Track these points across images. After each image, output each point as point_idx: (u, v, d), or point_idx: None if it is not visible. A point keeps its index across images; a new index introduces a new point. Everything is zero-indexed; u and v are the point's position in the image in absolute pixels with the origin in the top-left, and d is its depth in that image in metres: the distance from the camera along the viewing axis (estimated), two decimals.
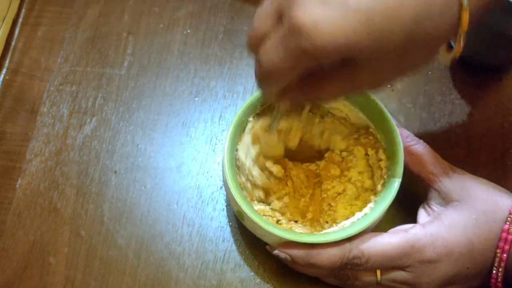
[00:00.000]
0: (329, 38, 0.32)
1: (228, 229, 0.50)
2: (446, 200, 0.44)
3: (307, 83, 0.38)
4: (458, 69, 0.56)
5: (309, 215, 0.47)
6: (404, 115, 0.54)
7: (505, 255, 0.41)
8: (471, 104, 0.55)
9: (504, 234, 0.41)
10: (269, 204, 0.47)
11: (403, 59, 0.35)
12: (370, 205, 0.45)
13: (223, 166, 0.45)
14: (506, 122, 0.54)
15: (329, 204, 0.47)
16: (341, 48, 0.32)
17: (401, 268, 0.42)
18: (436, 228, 0.42)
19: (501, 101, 0.55)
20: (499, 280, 0.42)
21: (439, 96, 0.55)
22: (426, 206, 0.45)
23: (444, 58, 0.37)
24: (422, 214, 0.45)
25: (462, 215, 0.42)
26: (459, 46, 0.36)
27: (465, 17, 0.34)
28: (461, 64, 0.56)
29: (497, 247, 0.41)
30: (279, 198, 0.47)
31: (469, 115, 0.54)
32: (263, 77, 0.36)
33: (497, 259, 0.41)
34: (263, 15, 0.35)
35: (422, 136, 0.47)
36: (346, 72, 0.36)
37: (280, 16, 0.34)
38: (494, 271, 0.42)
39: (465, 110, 0.54)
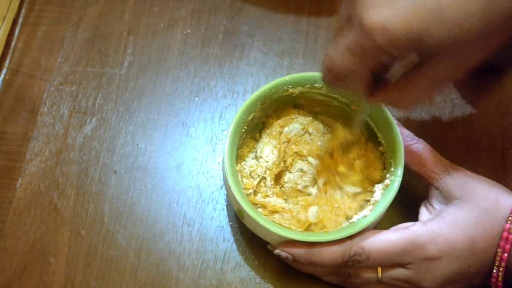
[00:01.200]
0: (402, 31, 0.34)
1: (228, 228, 0.50)
2: (447, 198, 0.44)
3: (393, 90, 0.40)
4: None
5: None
6: (404, 115, 0.54)
7: (506, 254, 0.41)
8: (471, 104, 0.55)
9: (505, 234, 0.41)
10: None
11: (481, 43, 0.36)
12: (370, 205, 0.45)
13: (223, 164, 0.45)
14: (506, 122, 0.54)
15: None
16: (414, 38, 0.34)
17: (402, 265, 0.42)
18: (437, 225, 0.42)
19: (501, 101, 0.55)
20: (499, 280, 0.42)
21: (439, 96, 0.55)
22: (428, 204, 0.45)
23: None
24: (423, 212, 0.45)
25: (463, 212, 0.42)
26: None
27: None
28: None
29: (498, 246, 0.41)
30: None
31: (469, 115, 0.54)
32: (335, 78, 0.39)
33: (497, 258, 0.41)
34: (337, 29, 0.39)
35: (422, 136, 0.47)
36: (427, 69, 0.38)
37: (349, 22, 0.37)
38: (494, 271, 0.41)
39: (465, 110, 0.54)
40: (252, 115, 0.47)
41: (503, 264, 0.41)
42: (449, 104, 0.54)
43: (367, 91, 0.41)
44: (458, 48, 0.36)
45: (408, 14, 0.34)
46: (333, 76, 0.39)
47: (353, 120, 0.47)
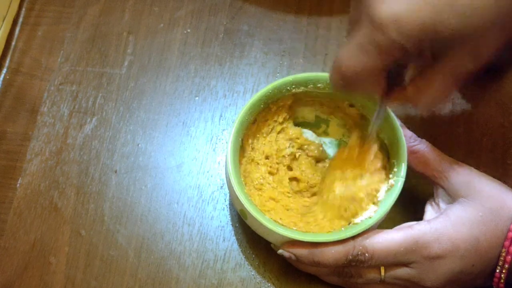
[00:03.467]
0: (414, 23, 0.34)
1: (229, 228, 0.50)
2: (453, 197, 0.43)
3: (410, 90, 0.39)
4: None
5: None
6: (404, 115, 0.54)
7: (509, 257, 0.41)
8: (471, 104, 0.55)
9: (510, 234, 0.41)
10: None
11: (495, 31, 0.35)
12: (374, 205, 0.45)
13: (226, 164, 0.45)
14: (506, 121, 0.54)
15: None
16: (428, 29, 0.34)
17: (406, 264, 0.42)
18: (442, 224, 0.42)
19: (502, 100, 0.55)
20: (502, 281, 0.41)
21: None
22: (434, 203, 0.45)
23: None
24: (428, 211, 0.45)
25: (468, 211, 0.42)
26: None
27: None
28: None
29: (503, 246, 0.41)
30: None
31: (469, 115, 0.54)
32: (348, 81, 0.38)
33: (501, 258, 0.41)
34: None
35: (423, 136, 0.47)
36: (442, 64, 0.37)
37: (358, 22, 0.36)
38: (497, 271, 0.41)
39: (465, 110, 0.54)
40: (255, 115, 0.47)
41: (506, 266, 0.41)
42: (449, 104, 0.54)
43: (382, 92, 0.40)
44: (472, 37, 0.35)
45: (420, 4, 0.34)
46: (345, 78, 0.38)
47: (368, 128, 0.46)
